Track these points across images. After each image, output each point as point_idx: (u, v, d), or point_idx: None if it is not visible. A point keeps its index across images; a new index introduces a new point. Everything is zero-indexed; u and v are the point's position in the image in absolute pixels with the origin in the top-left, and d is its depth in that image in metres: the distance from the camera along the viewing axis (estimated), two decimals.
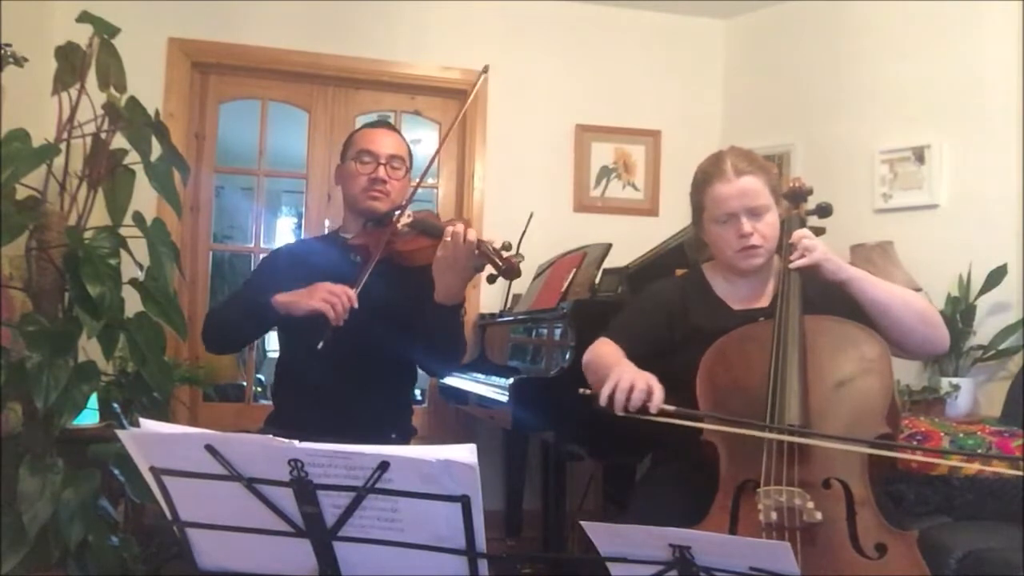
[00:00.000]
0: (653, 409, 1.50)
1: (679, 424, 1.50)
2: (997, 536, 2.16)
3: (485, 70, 2.11)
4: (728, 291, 1.83)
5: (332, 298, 1.74)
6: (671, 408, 1.50)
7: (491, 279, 1.74)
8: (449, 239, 1.70)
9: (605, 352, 1.77)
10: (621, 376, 1.54)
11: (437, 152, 2.06)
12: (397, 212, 1.94)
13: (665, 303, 1.85)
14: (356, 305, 1.75)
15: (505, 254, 1.69)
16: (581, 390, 1.60)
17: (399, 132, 2.11)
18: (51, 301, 2.27)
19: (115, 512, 2.41)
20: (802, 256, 1.68)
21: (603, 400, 1.53)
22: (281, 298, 1.81)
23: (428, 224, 1.88)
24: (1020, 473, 2.19)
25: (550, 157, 3.83)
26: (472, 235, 1.69)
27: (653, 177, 3.93)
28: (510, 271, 1.69)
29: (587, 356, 1.81)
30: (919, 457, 1.85)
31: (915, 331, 1.67)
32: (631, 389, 1.51)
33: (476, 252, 1.69)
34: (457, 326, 1.86)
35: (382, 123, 2.15)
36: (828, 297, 1.71)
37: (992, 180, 2.99)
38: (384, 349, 1.92)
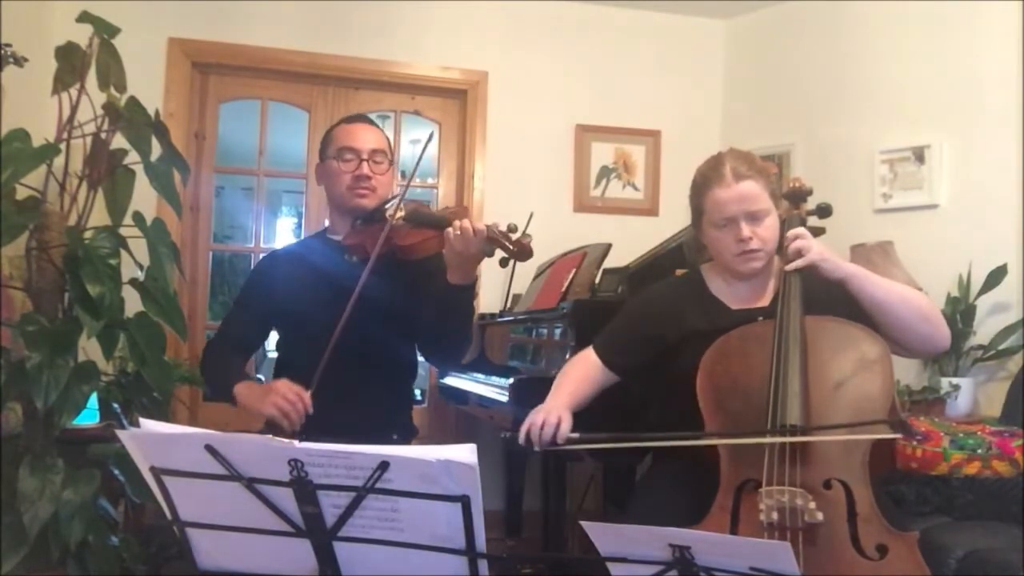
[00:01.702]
0: (560, 439, 1.65)
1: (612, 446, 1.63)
2: (997, 536, 2.15)
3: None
4: (727, 292, 1.83)
5: (285, 405, 1.71)
6: (575, 435, 1.67)
7: (503, 263, 1.74)
8: (459, 233, 1.68)
9: (567, 372, 1.89)
10: (534, 416, 1.70)
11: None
12: (389, 206, 1.91)
13: (657, 309, 1.86)
14: (311, 410, 1.72)
15: (514, 236, 1.69)
16: (503, 434, 1.76)
17: (377, 125, 2.05)
18: (51, 301, 2.27)
19: (115, 512, 2.41)
20: (798, 257, 1.67)
21: (521, 440, 1.68)
22: (240, 392, 1.84)
23: (422, 215, 1.86)
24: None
25: (550, 157, 3.83)
26: (480, 226, 1.68)
27: (653, 177, 3.93)
28: (522, 253, 1.69)
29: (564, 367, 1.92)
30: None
31: (915, 329, 1.67)
32: (542, 425, 1.66)
33: (487, 240, 1.69)
34: (470, 304, 1.86)
35: (360, 117, 2.09)
36: (828, 297, 1.71)
37: (992, 180, 2.99)
38: (384, 348, 1.91)
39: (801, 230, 1.72)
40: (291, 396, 1.72)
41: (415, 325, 1.89)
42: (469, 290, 1.81)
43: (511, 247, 1.68)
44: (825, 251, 1.69)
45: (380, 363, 1.93)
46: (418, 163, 1.96)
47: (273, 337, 2.16)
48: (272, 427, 1.88)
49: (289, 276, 2.00)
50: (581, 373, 1.86)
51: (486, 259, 1.77)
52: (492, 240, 1.68)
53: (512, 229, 1.70)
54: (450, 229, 1.70)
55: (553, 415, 1.67)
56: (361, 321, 1.85)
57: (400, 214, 1.87)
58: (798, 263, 1.67)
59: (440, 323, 1.86)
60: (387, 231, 1.84)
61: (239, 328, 2.05)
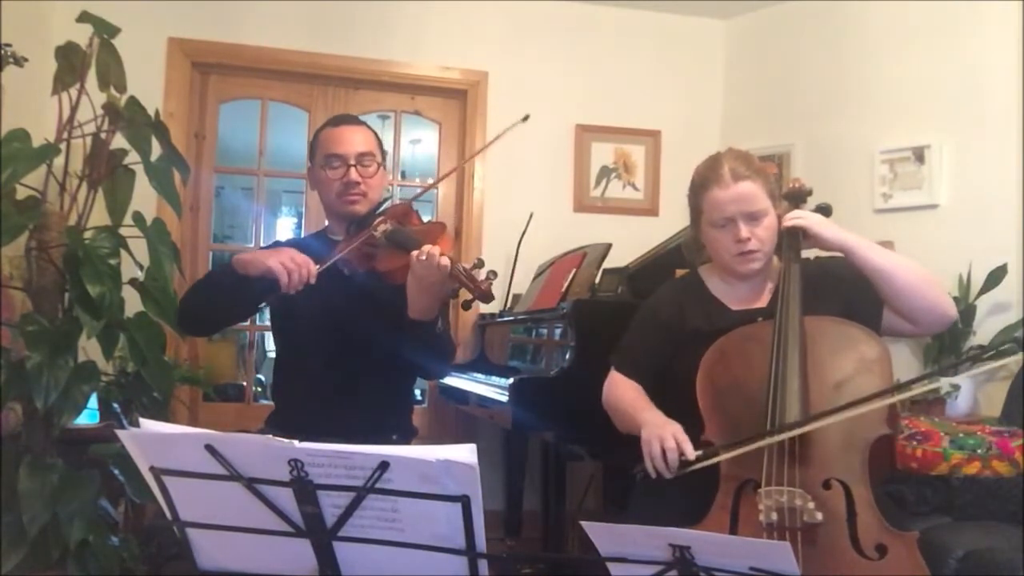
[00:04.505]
0: (690, 456, 1.55)
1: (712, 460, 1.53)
2: (997, 536, 2.15)
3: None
4: (726, 292, 1.83)
5: (291, 264, 1.65)
6: (700, 452, 1.55)
7: (466, 305, 1.68)
8: (424, 259, 1.62)
9: (624, 396, 1.81)
10: (650, 442, 1.59)
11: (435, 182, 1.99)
12: (380, 211, 1.88)
13: (662, 319, 1.85)
14: (313, 280, 1.67)
15: (479, 278, 1.62)
16: (635, 470, 1.63)
17: (365, 124, 1.98)
18: (51, 301, 2.27)
19: (115, 512, 2.41)
20: (799, 231, 1.72)
21: (652, 475, 1.59)
22: (242, 256, 1.75)
23: (401, 236, 1.78)
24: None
25: (550, 157, 3.83)
26: (445, 261, 1.61)
27: (653, 177, 3.93)
28: (484, 296, 1.62)
29: (606, 397, 1.86)
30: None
31: (921, 294, 1.67)
32: (663, 453, 1.56)
33: (449, 276, 1.62)
34: (434, 338, 1.81)
35: (345, 119, 2.00)
36: (827, 294, 1.72)
37: (992, 180, 2.99)
38: (382, 348, 1.91)
39: (796, 211, 1.76)
40: (298, 258, 1.67)
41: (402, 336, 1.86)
42: (428, 327, 1.75)
43: (474, 289, 1.61)
44: (823, 221, 1.72)
45: (379, 364, 1.92)
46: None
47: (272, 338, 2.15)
48: (272, 427, 1.88)
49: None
50: (635, 391, 1.82)
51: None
52: (455, 278, 1.61)
53: (477, 265, 1.63)
54: (415, 252, 1.64)
55: (669, 439, 1.57)
56: (360, 323, 1.85)
57: (385, 227, 1.80)
58: (795, 222, 1.71)
59: (412, 350, 1.81)
60: (363, 244, 1.79)
61: None
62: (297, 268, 1.66)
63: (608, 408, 1.85)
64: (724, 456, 1.52)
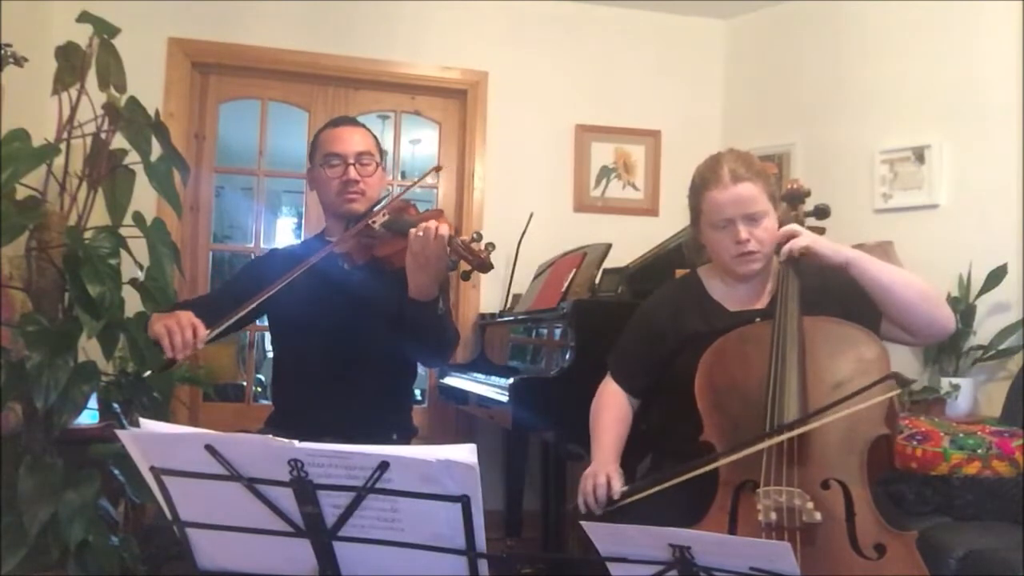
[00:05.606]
0: (615, 495, 1.63)
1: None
2: (997, 536, 2.16)
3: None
4: (725, 293, 1.83)
5: (175, 326, 1.64)
6: (626, 488, 1.63)
7: (465, 276, 1.69)
8: (421, 234, 1.64)
9: (602, 418, 1.85)
10: (586, 479, 1.69)
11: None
12: (377, 208, 1.89)
13: (656, 324, 1.85)
14: (200, 345, 1.66)
15: (476, 248, 1.63)
16: (570, 506, 1.74)
17: (363, 125, 2.02)
18: (51, 301, 2.27)
19: (115, 512, 2.42)
20: (790, 254, 1.67)
21: (582, 510, 1.68)
22: (156, 314, 1.78)
23: (399, 223, 1.80)
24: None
25: (550, 157, 3.83)
26: (444, 231, 1.63)
27: (653, 177, 3.93)
28: (482, 266, 1.63)
29: (592, 405, 1.90)
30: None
31: (920, 310, 1.67)
32: (594, 489, 1.66)
33: (448, 249, 1.64)
34: (435, 320, 1.80)
35: (344, 120, 2.04)
36: (825, 293, 1.71)
37: (992, 180, 2.99)
38: (382, 348, 1.91)
39: (793, 226, 1.71)
40: (183, 321, 1.65)
41: (401, 327, 1.86)
42: (429, 307, 1.75)
43: (472, 260, 1.62)
44: (820, 238, 1.69)
45: (379, 363, 1.92)
46: (410, 186, 1.92)
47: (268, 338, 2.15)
48: (271, 427, 1.88)
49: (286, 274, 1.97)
50: (613, 414, 1.85)
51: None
52: (454, 251, 1.62)
53: (475, 239, 1.64)
54: (413, 230, 1.66)
55: (601, 476, 1.67)
56: (358, 322, 1.85)
57: (383, 218, 1.83)
58: (791, 246, 1.66)
59: (413, 334, 1.81)
60: (360, 237, 1.81)
61: (215, 299, 1.97)
62: (180, 330, 1.63)
63: (590, 415, 1.89)
64: (648, 492, 1.55)
